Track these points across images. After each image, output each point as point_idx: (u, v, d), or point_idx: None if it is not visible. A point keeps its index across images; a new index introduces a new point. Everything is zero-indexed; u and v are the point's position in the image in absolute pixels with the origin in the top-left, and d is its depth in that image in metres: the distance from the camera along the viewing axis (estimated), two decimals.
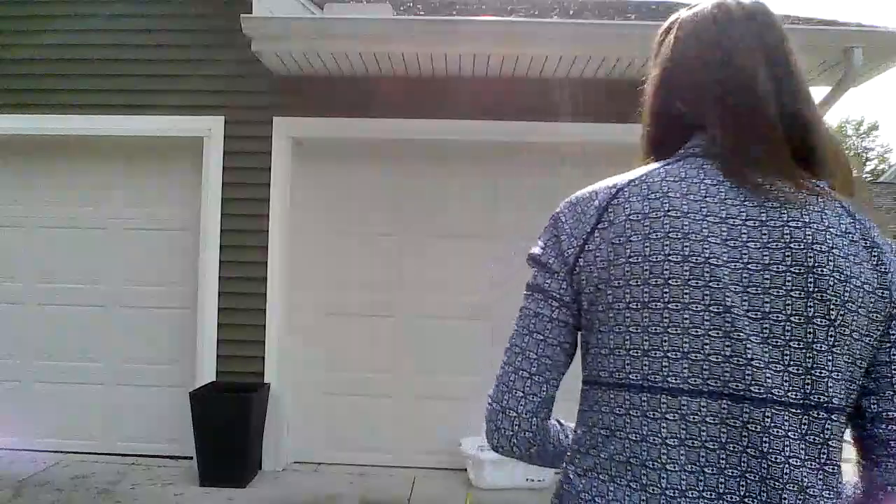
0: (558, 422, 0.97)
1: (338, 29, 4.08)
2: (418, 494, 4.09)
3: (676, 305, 0.76)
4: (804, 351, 0.74)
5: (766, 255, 0.76)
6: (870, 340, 0.77)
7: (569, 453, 0.89)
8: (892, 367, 0.78)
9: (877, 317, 0.76)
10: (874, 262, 0.77)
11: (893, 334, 0.78)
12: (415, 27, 4.26)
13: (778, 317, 0.74)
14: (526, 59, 4.13)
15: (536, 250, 0.92)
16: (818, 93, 4.34)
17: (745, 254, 0.76)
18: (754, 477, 0.73)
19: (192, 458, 4.20)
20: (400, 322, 4.68)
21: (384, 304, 4.69)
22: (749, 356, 0.74)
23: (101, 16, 4.61)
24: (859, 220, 0.79)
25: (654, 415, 0.77)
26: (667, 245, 0.78)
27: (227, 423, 4.07)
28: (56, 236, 4.81)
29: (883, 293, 0.77)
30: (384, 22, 4.24)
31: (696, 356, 0.76)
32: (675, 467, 0.75)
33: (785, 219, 0.77)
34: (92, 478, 4.20)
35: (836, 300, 0.74)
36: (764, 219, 0.77)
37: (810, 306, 0.74)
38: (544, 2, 5.87)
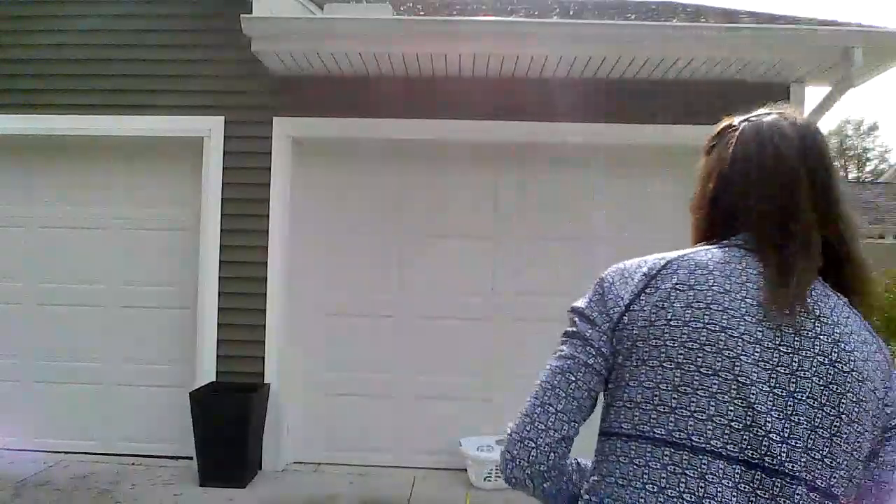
0: (577, 461, 0.99)
1: (338, 29, 4.08)
2: (418, 494, 4.09)
3: (707, 371, 0.82)
4: (828, 439, 0.80)
5: (796, 341, 0.82)
6: (868, 446, 0.84)
7: (583, 496, 0.92)
8: (876, 486, 0.86)
9: (876, 423, 0.84)
10: (884, 376, 0.85)
11: (882, 456, 0.86)
12: (415, 27, 4.26)
13: (802, 398, 0.80)
14: (526, 59, 4.13)
15: (581, 304, 0.98)
16: (818, 93, 4.35)
17: (778, 336, 0.82)
18: None
19: (192, 458, 4.20)
20: (400, 322, 4.68)
21: (384, 304, 4.69)
22: (768, 429, 0.80)
23: (102, 16, 4.61)
24: (874, 335, 0.88)
25: (674, 469, 0.82)
26: (707, 314, 0.84)
27: (227, 424, 4.07)
28: (56, 236, 4.80)
29: (885, 407, 0.85)
30: (384, 22, 4.24)
31: (720, 420, 0.81)
32: None
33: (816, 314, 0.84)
34: (92, 478, 4.20)
35: (852, 396, 0.81)
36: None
37: (825, 395, 0.80)
38: (544, 2, 5.87)
